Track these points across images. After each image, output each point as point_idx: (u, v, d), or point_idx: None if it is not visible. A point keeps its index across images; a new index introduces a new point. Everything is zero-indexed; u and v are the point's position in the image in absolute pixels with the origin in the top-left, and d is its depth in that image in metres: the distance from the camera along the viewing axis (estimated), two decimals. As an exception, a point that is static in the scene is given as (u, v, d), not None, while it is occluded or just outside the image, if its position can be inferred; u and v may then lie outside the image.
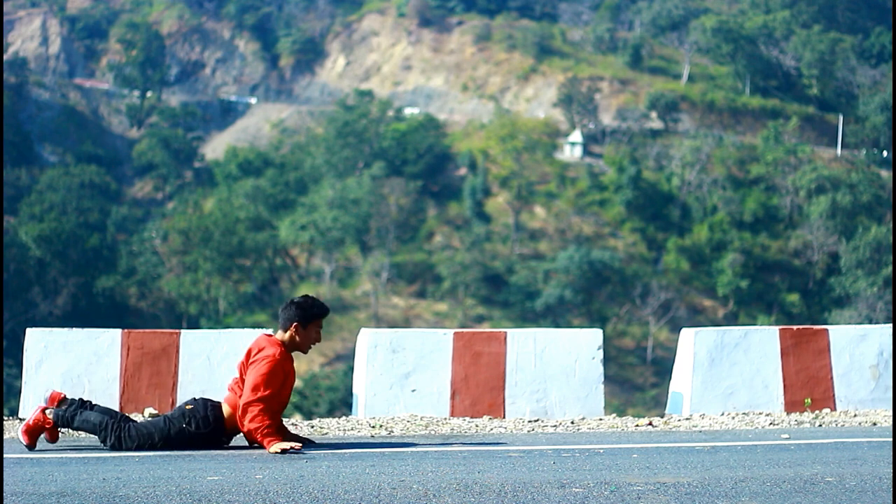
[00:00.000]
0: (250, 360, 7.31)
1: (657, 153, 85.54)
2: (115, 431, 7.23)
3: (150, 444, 7.22)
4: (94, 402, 7.48)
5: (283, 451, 7.05)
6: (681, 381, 9.47)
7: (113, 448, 7.20)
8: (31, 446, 7.25)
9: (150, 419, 7.59)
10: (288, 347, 7.39)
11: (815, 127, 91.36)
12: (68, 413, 7.28)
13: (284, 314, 7.41)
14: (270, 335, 7.48)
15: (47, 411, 7.30)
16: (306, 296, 7.57)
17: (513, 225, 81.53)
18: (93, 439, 7.79)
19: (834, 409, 9.32)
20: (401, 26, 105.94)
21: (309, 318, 7.39)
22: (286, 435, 7.39)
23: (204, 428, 7.28)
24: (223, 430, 7.35)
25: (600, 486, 5.54)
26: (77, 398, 7.45)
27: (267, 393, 7.18)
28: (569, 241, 79.09)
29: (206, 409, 7.34)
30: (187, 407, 7.34)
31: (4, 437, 7.85)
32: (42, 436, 7.40)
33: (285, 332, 7.39)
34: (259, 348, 7.33)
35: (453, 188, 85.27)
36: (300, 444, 7.24)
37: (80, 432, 7.68)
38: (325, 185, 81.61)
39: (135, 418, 8.71)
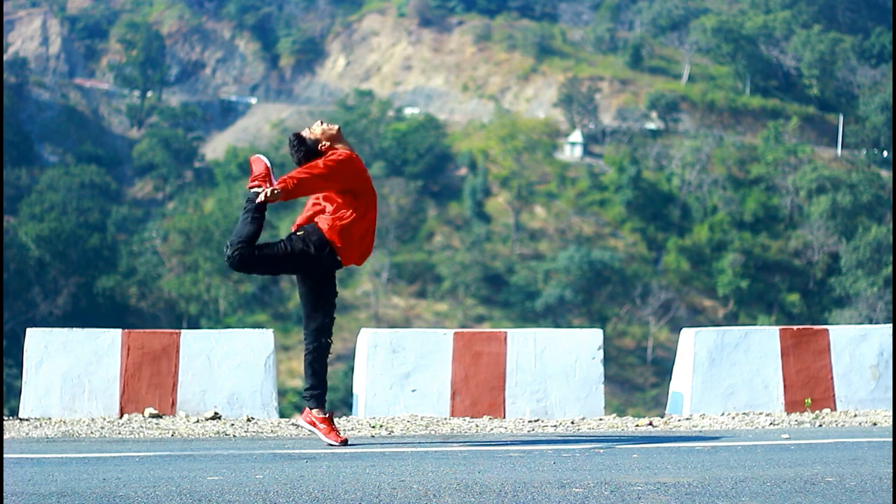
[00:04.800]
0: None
1: (657, 153, 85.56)
2: (241, 250, 7.19)
3: (273, 265, 7.24)
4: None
5: (261, 198, 7.06)
6: (681, 381, 9.47)
7: (235, 262, 7.18)
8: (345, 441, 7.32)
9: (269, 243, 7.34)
10: None
11: (815, 127, 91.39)
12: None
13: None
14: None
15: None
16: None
17: (513, 225, 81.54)
18: (93, 437, 7.80)
19: (834, 409, 9.32)
20: (401, 26, 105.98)
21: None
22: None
23: (319, 250, 7.23)
24: (335, 252, 7.29)
25: (600, 486, 5.54)
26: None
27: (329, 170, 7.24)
28: (569, 241, 79.11)
29: (318, 233, 7.28)
30: (298, 234, 7.28)
31: (5, 436, 7.85)
32: None
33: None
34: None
35: (453, 188, 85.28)
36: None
37: None
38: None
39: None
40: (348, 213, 7.29)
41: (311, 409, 7.36)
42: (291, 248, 7.22)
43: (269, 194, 7.08)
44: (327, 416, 7.37)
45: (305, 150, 7.43)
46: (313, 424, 7.35)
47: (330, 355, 7.52)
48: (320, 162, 7.24)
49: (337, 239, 7.26)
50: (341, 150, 7.35)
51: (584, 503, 5.12)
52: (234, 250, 7.15)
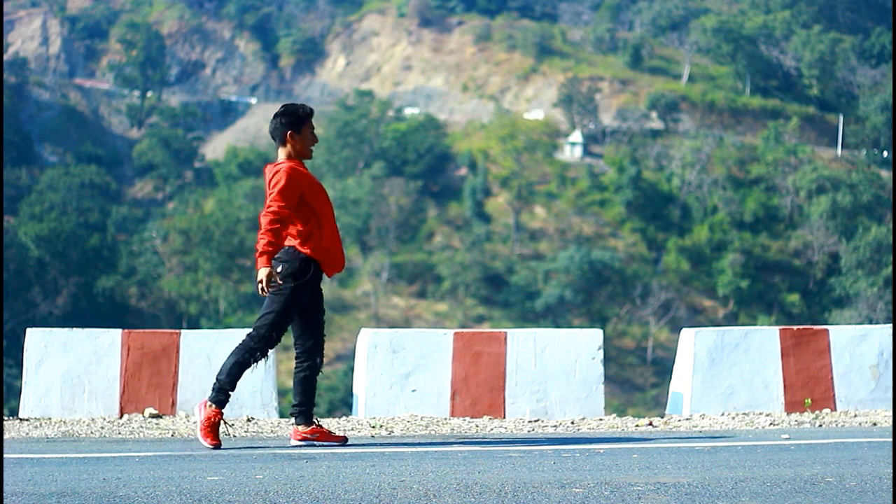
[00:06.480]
0: (271, 186, 7.10)
1: (657, 153, 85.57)
2: (258, 356, 7.19)
3: (282, 327, 7.16)
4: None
5: (264, 282, 6.94)
6: (681, 381, 9.47)
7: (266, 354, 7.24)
8: (217, 445, 7.16)
9: (262, 314, 7.19)
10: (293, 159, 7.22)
11: (815, 127, 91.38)
12: (217, 386, 7.18)
13: (274, 125, 7.21)
14: (274, 162, 7.27)
15: (207, 404, 7.19)
16: (286, 104, 7.37)
17: (513, 225, 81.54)
18: (93, 437, 7.79)
19: (834, 409, 9.31)
20: (401, 26, 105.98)
21: (300, 122, 7.19)
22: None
23: (304, 272, 7.10)
24: (318, 268, 7.16)
25: (600, 486, 5.54)
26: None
27: (281, 205, 6.98)
28: (569, 241, 79.10)
29: (295, 255, 7.12)
30: (278, 270, 7.06)
31: (4, 436, 7.84)
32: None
33: (284, 145, 7.19)
34: (271, 174, 7.13)
35: (453, 188, 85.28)
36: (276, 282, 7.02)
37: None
38: (325, 186, 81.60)
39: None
40: (308, 227, 7.12)
41: (297, 426, 7.38)
42: (289, 296, 7.08)
43: (269, 282, 6.99)
44: (316, 425, 7.39)
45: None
46: (306, 439, 7.37)
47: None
48: (266, 214, 7.03)
49: (314, 254, 7.15)
50: (282, 168, 7.13)
51: (583, 503, 5.12)
52: (260, 356, 7.20)
